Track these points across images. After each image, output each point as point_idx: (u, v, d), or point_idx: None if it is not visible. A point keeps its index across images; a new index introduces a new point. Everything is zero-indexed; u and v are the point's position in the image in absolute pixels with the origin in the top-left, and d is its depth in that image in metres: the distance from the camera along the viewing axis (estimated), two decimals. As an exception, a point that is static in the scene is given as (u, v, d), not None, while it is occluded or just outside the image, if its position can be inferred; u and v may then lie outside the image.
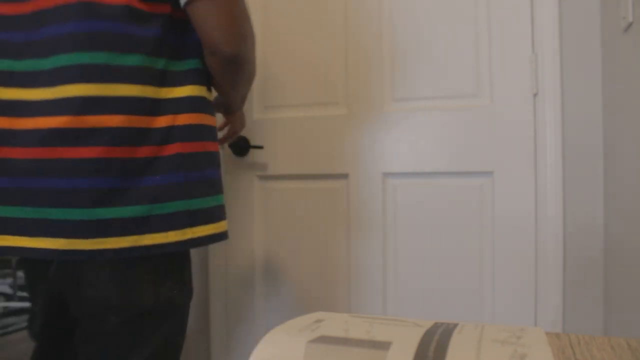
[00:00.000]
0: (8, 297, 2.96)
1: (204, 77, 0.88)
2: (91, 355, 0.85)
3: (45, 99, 0.76)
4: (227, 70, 0.86)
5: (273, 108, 1.64)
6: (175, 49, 0.83)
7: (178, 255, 0.87)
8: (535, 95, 1.39)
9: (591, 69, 1.37)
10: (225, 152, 1.68)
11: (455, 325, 0.37)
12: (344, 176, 1.56)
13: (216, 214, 0.88)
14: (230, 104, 1.04)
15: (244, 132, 1.62)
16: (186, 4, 0.80)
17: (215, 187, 0.88)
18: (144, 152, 0.78)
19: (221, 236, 0.89)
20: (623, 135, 1.26)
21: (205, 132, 0.86)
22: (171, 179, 0.80)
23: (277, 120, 1.62)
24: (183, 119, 0.82)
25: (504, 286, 1.39)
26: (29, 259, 0.91)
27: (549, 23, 1.36)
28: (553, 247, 1.36)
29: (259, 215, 1.67)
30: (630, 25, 1.16)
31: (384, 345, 0.33)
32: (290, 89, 1.62)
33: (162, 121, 0.80)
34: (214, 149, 0.89)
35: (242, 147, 1.60)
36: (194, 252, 1.68)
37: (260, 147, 1.61)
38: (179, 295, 0.88)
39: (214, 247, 1.74)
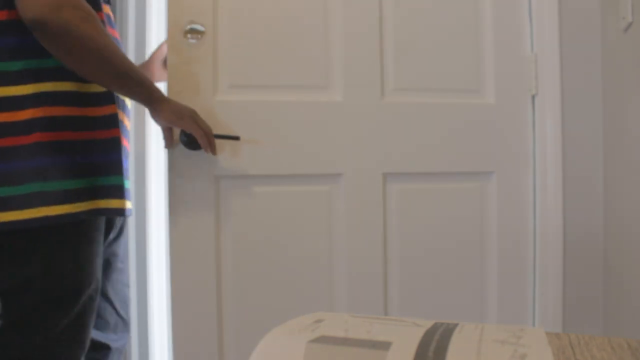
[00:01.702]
0: (8, 297, 2.95)
1: (47, 74, 0.95)
2: None
3: None
4: (39, 38, 0.90)
5: (243, 88, 1.26)
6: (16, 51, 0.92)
7: (33, 236, 0.94)
8: (535, 95, 1.38)
9: (591, 69, 1.37)
10: (174, 146, 1.22)
11: (455, 325, 0.37)
12: (337, 176, 1.31)
13: (69, 195, 0.95)
14: (113, 90, 1.04)
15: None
16: None
17: (72, 171, 0.96)
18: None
19: (76, 215, 0.96)
20: (623, 136, 1.26)
21: (58, 123, 0.95)
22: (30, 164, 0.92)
23: (248, 104, 1.25)
24: (40, 112, 0.92)
25: (504, 286, 1.39)
26: None
27: (548, 23, 1.36)
28: (553, 247, 1.36)
29: (222, 230, 1.24)
30: (630, 25, 1.16)
31: (384, 345, 0.33)
32: (268, 64, 1.26)
33: (23, 115, 0.91)
34: (73, 138, 0.97)
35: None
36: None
37: (236, 138, 1.20)
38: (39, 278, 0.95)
39: (174, 275, 1.26)
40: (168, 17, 1.21)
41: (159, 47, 1.33)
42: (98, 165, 0.99)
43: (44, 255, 0.95)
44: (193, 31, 1.22)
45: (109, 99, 1.01)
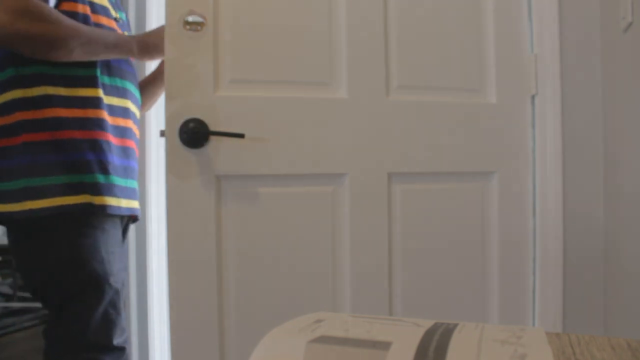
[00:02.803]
0: (8, 297, 2.97)
1: (26, 81, 1.03)
2: None
3: None
4: (10, 49, 1.01)
5: (245, 83, 1.21)
6: None
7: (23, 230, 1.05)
8: (535, 95, 1.38)
9: (591, 69, 1.37)
10: (170, 143, 1.16)
11: (455, 325, 0.37)
12: (342, 176, 1.27)
13: (52, 190, 1.02)
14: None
15: (199, 115, 1.16)
16: None
17: (51, 169, 1.03)
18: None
19: (60, 208, 1.03)
20: (623, 135, 1.26)
21: (42, 124, 1.03)
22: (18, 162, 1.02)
23: (249, 101, 1.20)
24: (21, 116, 1.02)
25: (505, 286, 1.39)
26: None
27: (549, 23, 1.36)
28: (553, 247, 1.36)
29: (223, 231, 1.19)
30: (630, 25, 1.16)
31: (384, 345, 0.33)
32: (271, 58, 1.22)
33: (8, 119, 1.03)
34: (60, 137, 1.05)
35: (196, 133, 1.11)
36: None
37: (241, 136, 1.15)
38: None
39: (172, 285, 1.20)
40: (166, 7, 1.15)
41: None
42: (75, 163, 1.05)
43: (43, 246, 1.04)
44: (192, 22, 1.16)
45: (89, 102, 1.08)
